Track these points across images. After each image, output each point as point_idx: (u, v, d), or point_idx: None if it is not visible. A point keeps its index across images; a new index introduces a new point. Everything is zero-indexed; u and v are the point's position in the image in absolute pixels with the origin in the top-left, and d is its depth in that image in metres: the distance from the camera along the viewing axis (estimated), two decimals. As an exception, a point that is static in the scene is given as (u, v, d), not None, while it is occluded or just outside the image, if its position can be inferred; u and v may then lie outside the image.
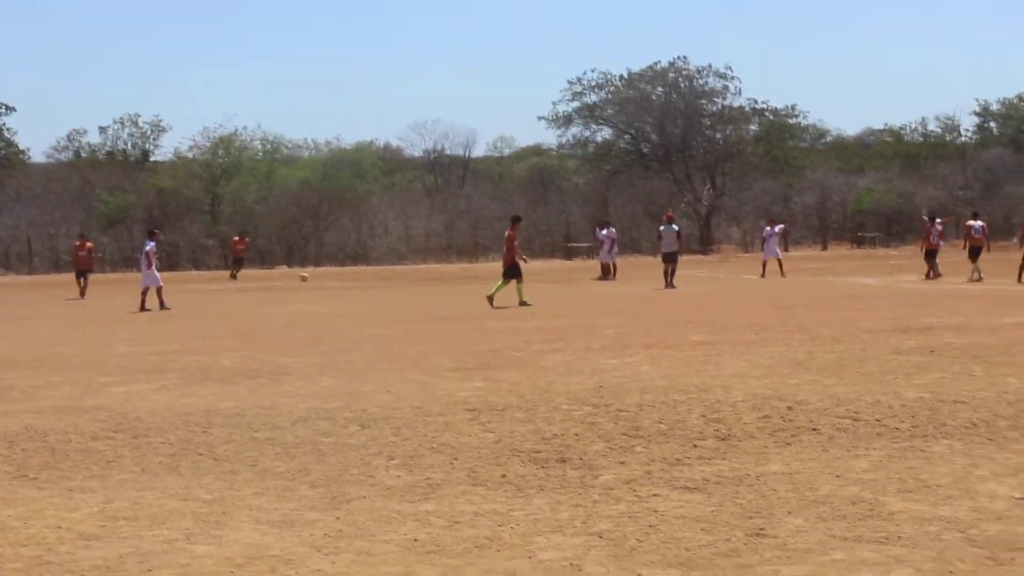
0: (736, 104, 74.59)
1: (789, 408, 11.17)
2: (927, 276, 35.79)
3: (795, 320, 20.86)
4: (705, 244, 66.51)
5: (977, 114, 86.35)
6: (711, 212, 69.65)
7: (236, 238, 51.85)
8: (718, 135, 74.26)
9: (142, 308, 29.57)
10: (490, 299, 26.82)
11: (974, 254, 35.24)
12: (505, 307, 26.10)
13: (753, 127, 77.55)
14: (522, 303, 26.76)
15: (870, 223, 69.70)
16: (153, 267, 30.29)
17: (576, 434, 10.34)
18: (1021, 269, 32.13)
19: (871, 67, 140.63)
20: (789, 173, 74.62)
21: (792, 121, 78.71)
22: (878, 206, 69.89)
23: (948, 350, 15.40)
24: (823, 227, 70.50)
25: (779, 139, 77.76)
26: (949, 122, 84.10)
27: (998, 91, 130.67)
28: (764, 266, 40.53)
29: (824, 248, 66.72)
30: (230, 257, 53.54)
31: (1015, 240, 40.36)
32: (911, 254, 54.92)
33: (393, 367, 15.45)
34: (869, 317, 21.07)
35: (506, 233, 28.98)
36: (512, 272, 27.74)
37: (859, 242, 67.90)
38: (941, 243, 37.36)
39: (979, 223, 36.35)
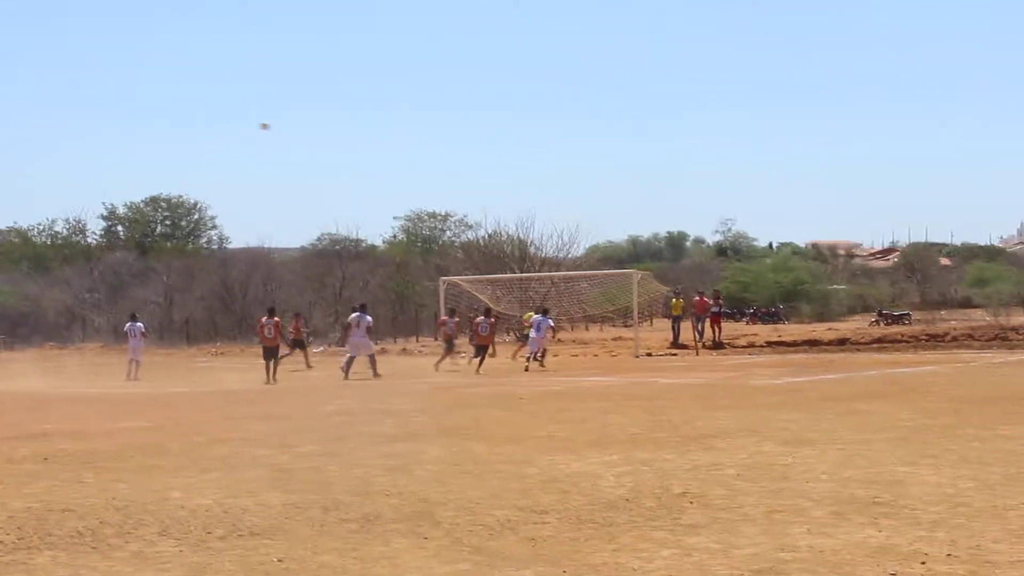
0: None
1: None
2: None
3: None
4: None
5: (104, 217, 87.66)
6: None
7: None
8: None
9: None
10: None
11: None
12: None
13: None
14: None
15: (-4, 326, 68.10)
16: None
17: None
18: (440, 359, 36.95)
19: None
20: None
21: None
22: (4, 308, 68.54)
23: (61, 457, 15.34)
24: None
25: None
26: (77, 224, 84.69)
27: (125, 195, 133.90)
28: None
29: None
30: None
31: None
32: (36, 356, 54.27)
33: None
34: (-14, 425, 20.55)
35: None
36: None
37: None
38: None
39: (487, 320, 37.31)
